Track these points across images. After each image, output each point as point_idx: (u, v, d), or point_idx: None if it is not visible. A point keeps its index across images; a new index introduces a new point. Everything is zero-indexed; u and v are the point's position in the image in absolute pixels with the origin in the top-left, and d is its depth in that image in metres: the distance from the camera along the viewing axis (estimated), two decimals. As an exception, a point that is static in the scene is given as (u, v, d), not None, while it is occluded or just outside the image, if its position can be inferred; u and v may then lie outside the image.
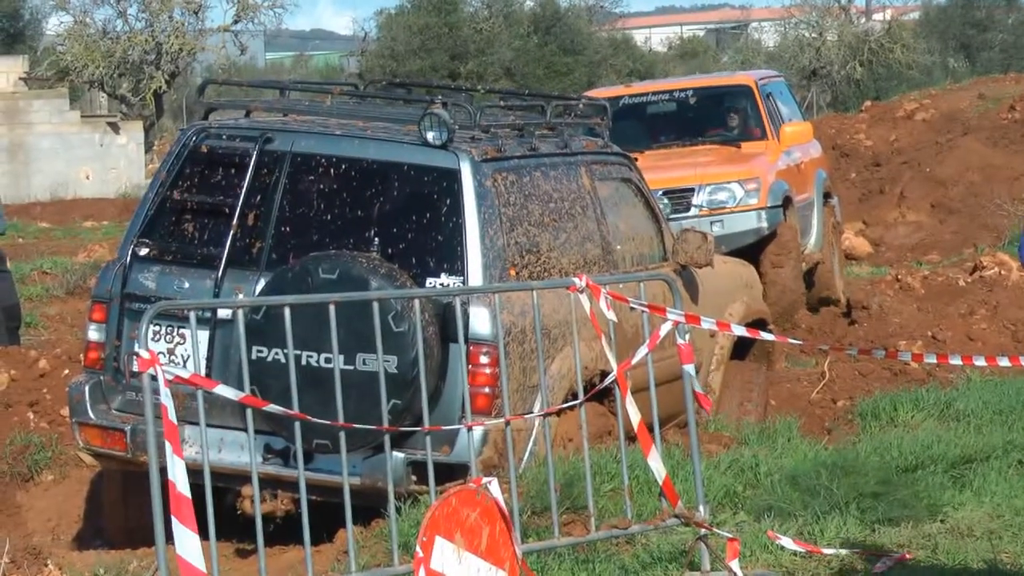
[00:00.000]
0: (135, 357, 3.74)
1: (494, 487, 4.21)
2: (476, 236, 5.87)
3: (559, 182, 6.67)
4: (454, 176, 5.94)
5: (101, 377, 6.03)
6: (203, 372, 5.54)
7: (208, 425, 4.65)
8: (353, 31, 46.92)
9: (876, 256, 17.26)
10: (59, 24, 35.97)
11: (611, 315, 4.64)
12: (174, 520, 3.54)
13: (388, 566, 4.32)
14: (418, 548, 3.94)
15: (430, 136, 5.87)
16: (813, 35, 39.71)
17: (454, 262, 5.87)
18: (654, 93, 12.96)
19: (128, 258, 6.18)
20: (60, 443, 7.41)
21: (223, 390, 4.02)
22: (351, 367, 5.20)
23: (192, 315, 4.31)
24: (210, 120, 6.49)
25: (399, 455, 5.33)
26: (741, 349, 7.98)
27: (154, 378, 3.56)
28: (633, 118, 12.23)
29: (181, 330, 5.89)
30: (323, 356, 5.20)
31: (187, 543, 3.53)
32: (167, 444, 3.55)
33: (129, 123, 31.00)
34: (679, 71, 38.79)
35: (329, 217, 6.19)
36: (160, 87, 32.71)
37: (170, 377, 3.67)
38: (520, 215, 6.25)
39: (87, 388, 5.95)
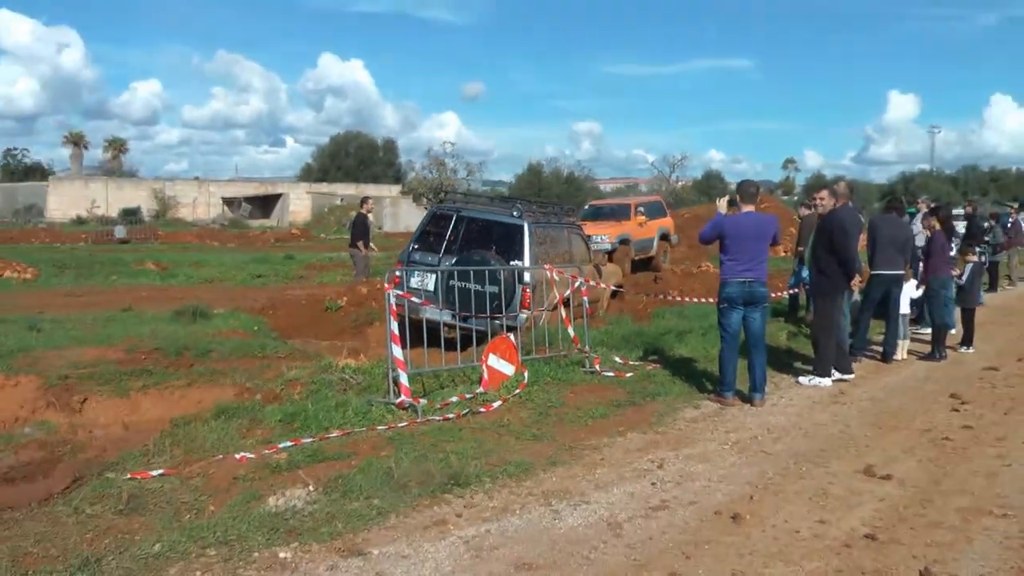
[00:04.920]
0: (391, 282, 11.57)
1: (512, 336, 11.08)
2: (528, 248, 13.30)
3: (557, 231, 14.44)
4: (522, 228, 13.40)
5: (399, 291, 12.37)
6: (432, 291, 12.79)
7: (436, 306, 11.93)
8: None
9: None
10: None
11: (557, 277, 12.34)
12: (391, 343, 9.66)
13: (478, 360, 10.92)
14: (483, 355, 10.58)
15: (515, 213, 13.59)
16: None
17: (521, 257, 13.21)
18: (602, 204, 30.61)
19: (410, 248, 13.93)
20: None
21: (414, 300, 10.93)
22: (483, 289, 12.16)
23: (401, 272, 12.92)
24: (437, 203, 14.53)
25: (497, 321, 11.96)
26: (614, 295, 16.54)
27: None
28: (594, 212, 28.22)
29: (422, 275, 13.33)
30: (475, 286, 12.14)
31: (395, 350, 9.54)
32: (390, 318, 10.80)
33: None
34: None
35: (478, 239, 13.60)
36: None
37: (400, 294, 10.26)
38: (543, 242, 13.70)
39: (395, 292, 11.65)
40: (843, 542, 6.03)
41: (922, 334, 15.44)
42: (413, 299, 10.77)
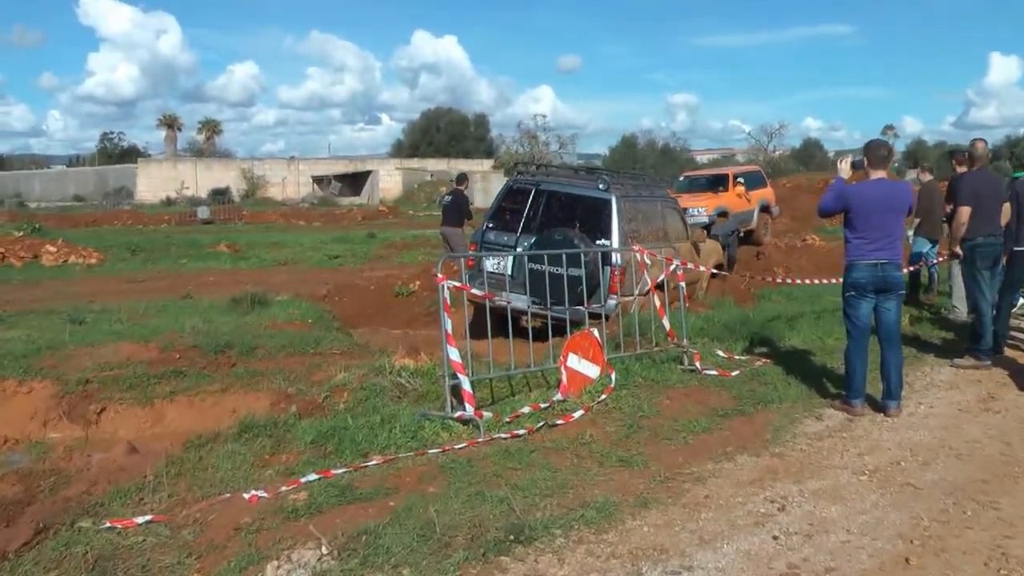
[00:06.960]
0: (438, 274, 9.84)
1: (596, 331, 9.17)
2: (616, 226, 11.63)
3: (649, 205, 12.71)
4: (609, 202, 11.75)
5: (473, 273, 11.44)
6: (509, 275, 10.91)
7: (513, 292, 10.08)
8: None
9: None
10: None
11: (649, 261, 10.52)
12: (445, 344, 7.77)
13: (556, 361, 9.28)
14: (561, 356, 8.68)
15: (601, 185, 11.87)
16: None
17: (609, 235, 11.60)
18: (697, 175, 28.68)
19: (484, 227, 12.27)
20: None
21: (475, 290, 9.33)
22: (565, 273, 10.58)
23: (458, 261, 11.05)
24: (515, 176, 12.69)
25: (583, 309, 10.22)
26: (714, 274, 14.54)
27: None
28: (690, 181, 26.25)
29: (498, 258, 11.82)
30: (557, 269, 10.58)
31: (451, 352, 7.66)
32: (444, 315, 7.93)
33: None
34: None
35: (560, 216, 11.95)
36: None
37: (450, 286, 8.23)
38: (633, 218, 12.02)
39: (468, 275, 10.69)
40: (1054, 644, 4.25)
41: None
42: (474, 291, 9.14)
